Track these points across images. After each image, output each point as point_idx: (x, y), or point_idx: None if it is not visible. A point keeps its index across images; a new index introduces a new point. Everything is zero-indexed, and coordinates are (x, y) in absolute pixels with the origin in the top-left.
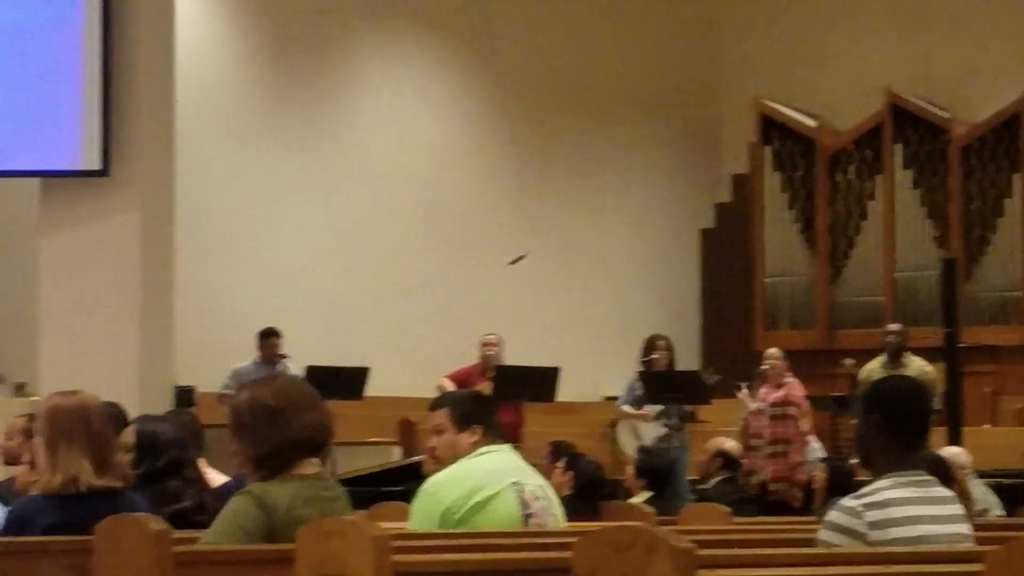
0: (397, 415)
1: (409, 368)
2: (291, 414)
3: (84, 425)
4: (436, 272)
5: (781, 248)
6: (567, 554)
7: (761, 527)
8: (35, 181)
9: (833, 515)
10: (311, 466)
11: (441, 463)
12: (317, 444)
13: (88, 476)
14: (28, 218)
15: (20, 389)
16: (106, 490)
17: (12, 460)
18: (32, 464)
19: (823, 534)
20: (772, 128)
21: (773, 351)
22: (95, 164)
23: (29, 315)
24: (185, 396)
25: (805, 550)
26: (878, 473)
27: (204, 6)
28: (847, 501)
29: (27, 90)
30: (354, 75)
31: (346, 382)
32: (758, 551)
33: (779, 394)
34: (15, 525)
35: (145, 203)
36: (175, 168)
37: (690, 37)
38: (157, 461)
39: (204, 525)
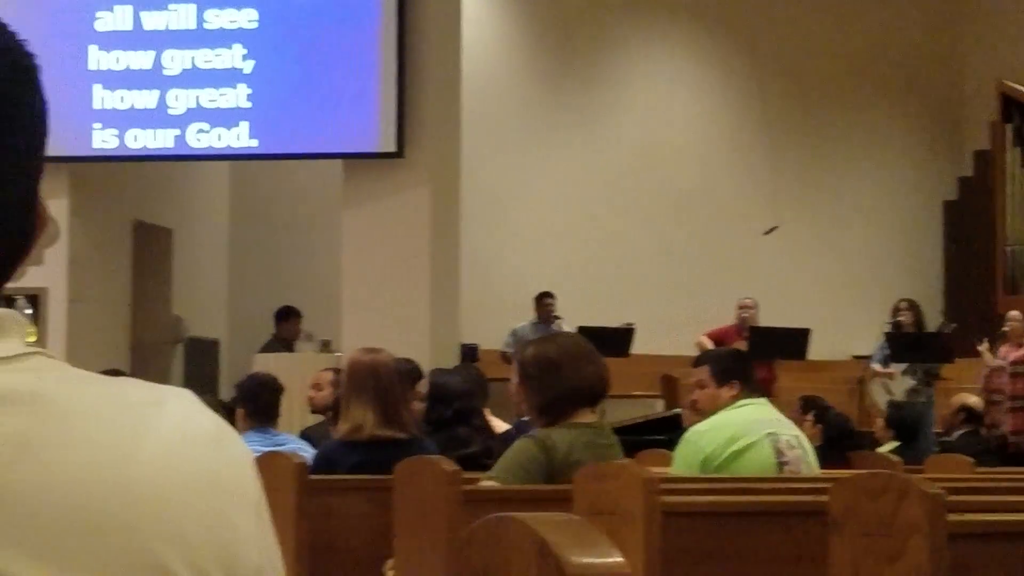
0: (660, 371)
1: (671, 329)
2: (572, 367)
3: (374, 381)
4: (696, 241)
5: (1022, 219)
6: (822, 498)
7: (1003, 476)
8: (339, 162)
9: None
10: (589, 415)
11: (702, 415)
12: (594, 395)
13: (371, 426)
14: (333, 195)
15: (325, 346)
16: (395, 439)
17: (319, 408)
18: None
19: None
20: (1013, 107)
21: (1014, 313)
22: (391, 147)
23: (333, 281)
24: (470, 353)
25: None
26: None
27: (489, 1)
28: None
29: (333, 81)
30: (622, 61)
31: (613, 341)
32: (1002, 498)
33: (1019, 353)
34: (322, 465)
35: (435, 181)
36: (461, 149)
37: (934, 19)
38: (447, 410)
39: (489, 468)
